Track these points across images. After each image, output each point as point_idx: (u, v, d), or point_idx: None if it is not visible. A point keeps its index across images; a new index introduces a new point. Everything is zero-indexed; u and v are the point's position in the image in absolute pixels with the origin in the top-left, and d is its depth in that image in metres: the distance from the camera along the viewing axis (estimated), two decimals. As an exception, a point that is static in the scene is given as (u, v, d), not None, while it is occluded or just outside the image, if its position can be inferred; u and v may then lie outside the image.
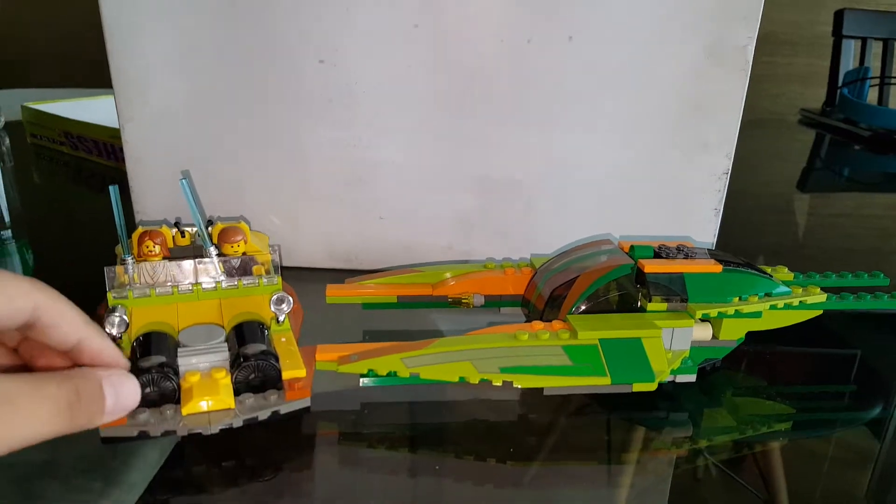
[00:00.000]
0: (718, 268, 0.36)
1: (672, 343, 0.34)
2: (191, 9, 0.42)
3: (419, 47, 0.42)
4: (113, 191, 0.34)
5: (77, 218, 0.64)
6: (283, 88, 0.43)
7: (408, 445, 0.31)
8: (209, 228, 0.38)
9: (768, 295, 0.37)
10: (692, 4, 0.42)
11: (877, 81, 1.24)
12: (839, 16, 1.25)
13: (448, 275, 0.41)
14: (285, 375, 0.31)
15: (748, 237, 0.63)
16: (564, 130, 0.44)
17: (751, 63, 0.42)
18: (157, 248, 0.37)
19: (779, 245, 0.63)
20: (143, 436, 0.28)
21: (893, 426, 0.35)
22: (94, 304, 0.39)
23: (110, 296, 0.33)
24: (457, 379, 0.32)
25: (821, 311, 0.39)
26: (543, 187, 0.46)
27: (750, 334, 0.37)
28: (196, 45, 0.43)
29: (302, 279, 0.45)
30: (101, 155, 0.74)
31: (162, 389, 0.29)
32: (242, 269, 0.37)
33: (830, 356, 0.42)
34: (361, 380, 0.32)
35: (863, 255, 0.62)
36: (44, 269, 0.51)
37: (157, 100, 0.44)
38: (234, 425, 0.29)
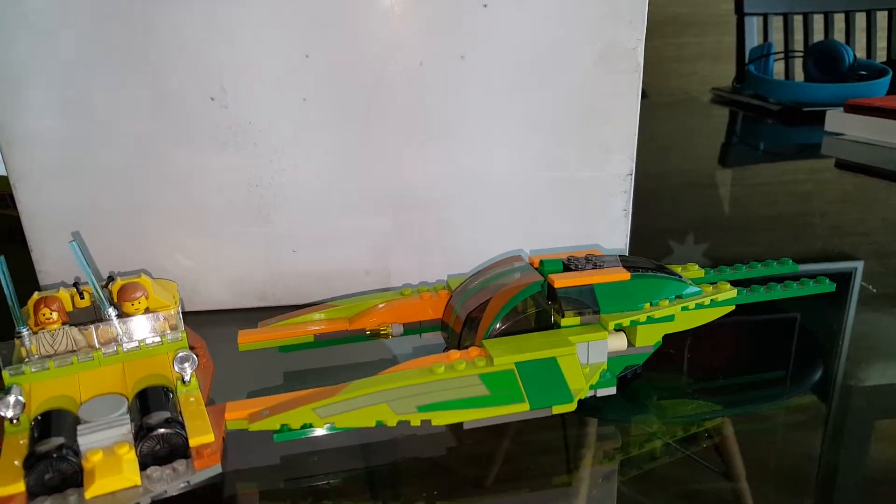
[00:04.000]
0: (627, 275, 0.36)
1: (589, 357, 0.34)
2: (71, 56, 0.40)
3: (313, 77, 0.41)
4: (-1, 262, 0.32)
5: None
6: (176, 130, 0.42)
7: (334, 497, 0.31)
8: (110, 286, 0.36)
9: (679, 297, 0.37)
10: (579, 14, 0.42)
11: (781, 56, 1.28)
12: (739, -6, 1.29)
13: (364, 306, 0.40)
14: (192, 442, 0.29)
15: (671, 216, 0.64)
16: (467, 146, 0.44)
17: (642, 65, 0.43)
18: (55, 315, 0.35)
19: (703, 220, 0.64)
20: (44, 527, 0.27)
21: (817, 406, 0.36)
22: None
23: (5, 374, 0.32)
24: (374, 424, 0.31)
25: (734, 307, 0.39)
26: (453, 204, 0.46)
27: (666, 336, 0.37)
28: (82, 94, 0.41)
29: (214, 324, 0.43)
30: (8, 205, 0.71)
31: (63, 473, 0.28)
32: (145, 327, 0.35)
33: (748, 344, 0.43)
34: (275, 436, 0.31)
35: (782, 222, 0.64)
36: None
37: (48, 153, 0.42)
38: (143, 503, 0.28)
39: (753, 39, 1.27)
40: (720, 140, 1.04)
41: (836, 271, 0.50)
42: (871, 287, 0.47)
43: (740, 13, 1.29)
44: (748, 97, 1.16)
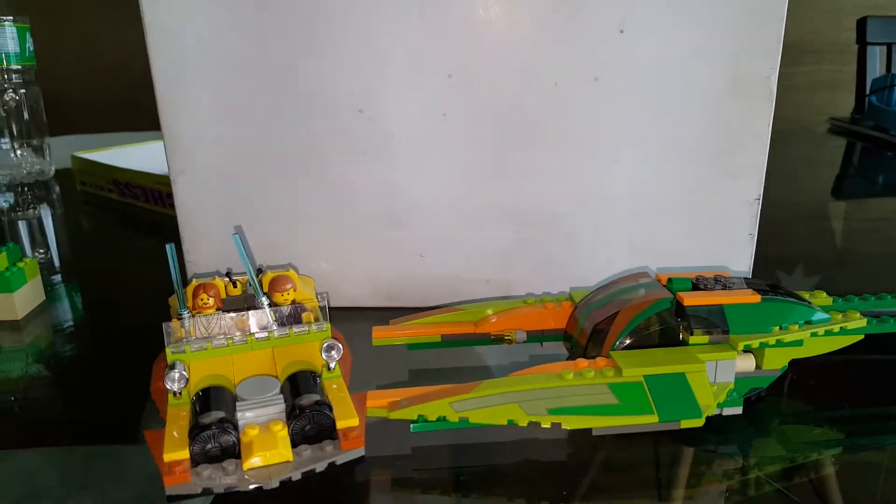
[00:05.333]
0: (757, 298, 0.36)
1: (716, 376, 0.35)
2: (238, 65, 0.44)
3: (453, 96, 0.44)
4: (169, 249, 0.36)
5: (125, 262, 0.66)
6: (325, 139, 0.45)
7: (461, 490, 0.32)
8: (259, 277, 0.39)
9: (808, 322, 0.37)
10: (716, 40, 0.43)
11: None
12: (862, 24, 1.25)
13: (489, 311, 0.42)
14: (339, 425, 0.32)
15: (786, 248, 0.62)
16: (597, 164, 0.45)
17: (775, 92, 0.43)
18: (211, 301, 0.38)
19: (816, 253, 0.63)
20: (207, 492, 0.29)
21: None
22: (145, 350, 0.41)
23: (169, 351, 0.35)
24: (505, 422, 0.32)
25: (862, 336, 0.39)
26: (579, 220, 0.47)
27: (792, 361, 0.37)
28: (243, 100, 0.45)
29: (347, 319, 0.46)
30: (148, 200, 0.77)
31: (223, 444, 0.31)
32: (293, 317, 0.38)
33: (875, 374, 0.42)
34: (412, 425, 0.33)
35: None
36: (93, 313, 0.53)
37: (207, 154, 0.46)
38: (294, 478, 0.30)
39: (875, 70, 1.22)
40: (836, 171, 1.01)
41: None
42: None
43: (862, 42, 1.24)
44: (868, 129, 1.12)
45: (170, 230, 0.49)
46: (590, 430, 0.34)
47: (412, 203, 0.46)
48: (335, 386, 0.34)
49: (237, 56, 0.44)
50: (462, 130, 0.45)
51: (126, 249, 0.70)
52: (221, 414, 0.32)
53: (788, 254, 0.61)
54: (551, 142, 0.45)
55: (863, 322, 0.38)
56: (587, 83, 0.43)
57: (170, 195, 0.48)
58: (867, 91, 1.21)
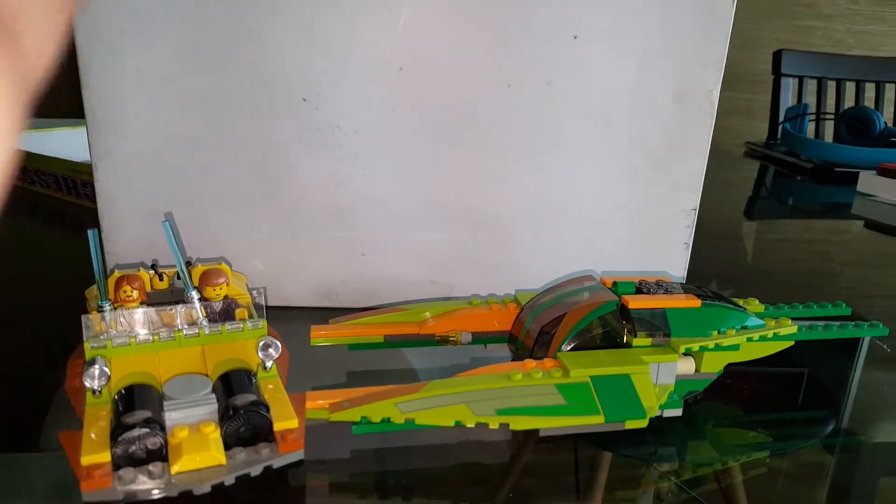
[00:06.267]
0: (697, 302, 0.37)
1: (658, 378, 0.35)
2: (171, 45, 0.41)
3: (403, 90, 0.43)
4: (91, 235, 0.33)
5: (32, 254, 0.61)
6: (264, 127, 0.43)
7: (401, 494, 0.31)
8: (189, 269, 0.37)
9: (744, 328, 0.38)
10: (663, 53, 0.44)
11: (815, 117, 1.31)
12: (777, 56, 1.33)
13: (433, 313, 0.41)
14: (277, 427, 0.30)
15: (701, 265, 0.65)
16: (544, 168, 0.45)
17: (716, 106, 0.44)
18: (136, 294, 0.36)
19: (735, 270, 0.65)
20: (130, 498, 0.27)
21: (868, 442, 0.37)
22: (57, 348, 0.38)
23: (87, 346, 0.32)
24: (452, 423, 0.31)
25: (793, 342, 0.40)
26: (524, 223, 0.47)
27: (727, 365, 0.38)
28: (176, 82, 0.42)
29: (282, 318, 0.44)
30: (60, 189, 0.71)
31: (149, 446, 0.28)
32: (225, 313, 0.36)
33: (804, 381, 0.43)
34: (354, 427, 0.31)
35: (809, 277, 0.65)
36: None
37: (133, 138, 0.43)
38: (227, 482, 0.28)
39: (788, 99, 1.30)
40: (749, 193, 1.06)
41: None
42: (885, 347, 0.47)
43: (777, 73, 1.32)
44: (781, 153, 1.18)
45: (84, 221, 0.46)
46: (536, 431, 0.33)
47: (356, 199, 0.45)
48: (271, 386, 0.32)
49: (172, 32, 0.41)
50: (411, 126, 0.44)
51: (33, 241, 0.65)
52: (147, 414, 0.29)
53: (704, 270, 0.63)
54: (500, 143, 0.45)
55: (794, 329, 0.39)
56: (540, 87, 0.43)
57: (85, 184, 0.45)
58: (781, 119, 1.28)
